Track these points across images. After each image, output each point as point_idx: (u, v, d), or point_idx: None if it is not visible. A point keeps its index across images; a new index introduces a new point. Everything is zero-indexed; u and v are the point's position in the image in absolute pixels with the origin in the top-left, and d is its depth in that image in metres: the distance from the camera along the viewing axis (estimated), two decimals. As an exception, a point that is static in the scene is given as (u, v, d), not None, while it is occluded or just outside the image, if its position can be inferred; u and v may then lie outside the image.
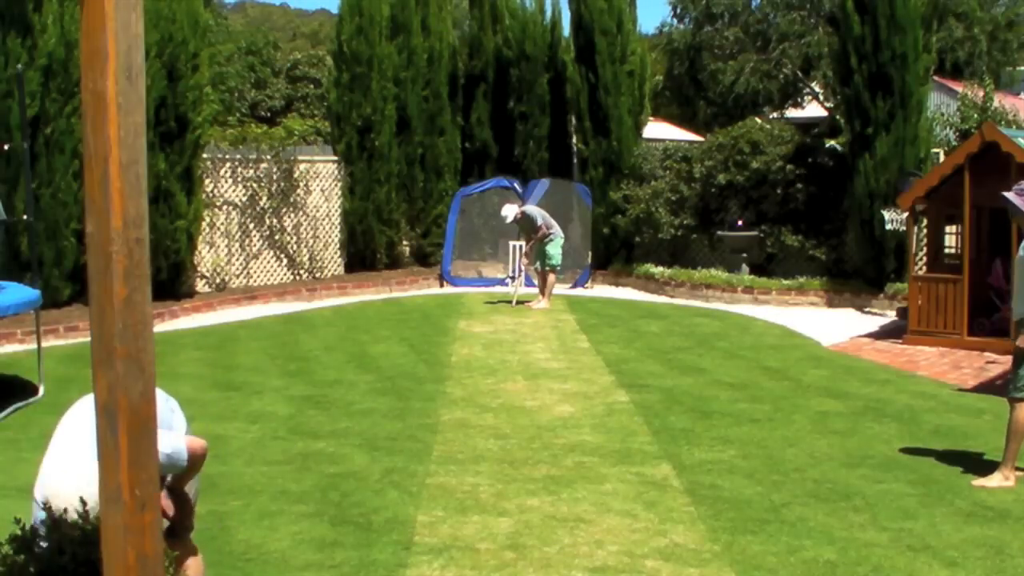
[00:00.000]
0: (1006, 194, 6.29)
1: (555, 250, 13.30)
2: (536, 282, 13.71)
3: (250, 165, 14.41)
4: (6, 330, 10.31)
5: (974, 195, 10.46)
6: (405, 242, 16.27)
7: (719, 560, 4.75)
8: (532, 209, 13.58)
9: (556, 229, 13.36)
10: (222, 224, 14.13)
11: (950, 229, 11.96)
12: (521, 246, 13.92)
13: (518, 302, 13.45)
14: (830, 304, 13.54)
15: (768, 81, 24.49)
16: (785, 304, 13.63)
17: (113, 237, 2.04)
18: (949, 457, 6.50)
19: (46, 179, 11.30)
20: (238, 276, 14.23)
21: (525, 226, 13.48)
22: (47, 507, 2.99)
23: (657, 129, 22.60)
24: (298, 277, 15.03)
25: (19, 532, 2.92)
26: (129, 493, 2.10)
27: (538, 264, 13.50)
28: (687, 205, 15.37)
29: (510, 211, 13.41)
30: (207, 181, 13.67)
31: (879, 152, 13.14)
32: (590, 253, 16.22)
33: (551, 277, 13.42)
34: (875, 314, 12.92)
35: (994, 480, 5.94)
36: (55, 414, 7.62)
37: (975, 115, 16.00)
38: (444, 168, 16.51)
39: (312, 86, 35.00)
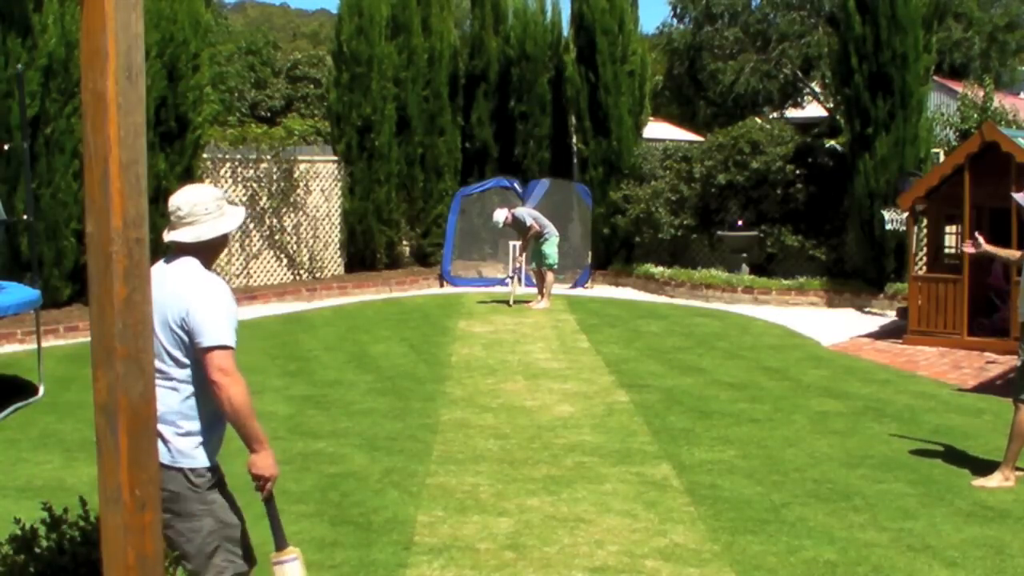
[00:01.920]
0: (1016, 195, 6.32)
1: (551, 249, 13.31)
2: (535, 282, 13.72)
3: (250, 165, 14.41)
4: (6, 330, 10.31)
5: (974, 195, 10.46)
6: (405, 242, 16.27)
7: (719, 560, 4.75)
8: (521, 211, 13.60)
9: (550, 228, 13.37)
10: (222, 224, 14.10)
11: (950, 229, 11.97)
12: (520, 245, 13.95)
13: (515, 302, 13.45)
14: (830, 304, 13.54)
15: (768, 81, 24.47)
16: (785, 304, 13.63)
17: (113, 237, 2.04)
18: (949, 457, 6.51)
19: (46, 179, 11.30)
20: (238, 276, 14.23)
21: (518, 228, 13.50)
22: None
23: (657, 129, 22.59)
24: (298, 277, 15.03)
25: (19, 532, 2.92)
26: (129, 493, 2.10)
27: (534, 264, 13.53)
28: (687, 205, 15.37)
29: (500, 215, 13.45)
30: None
31: (879, 152, 13.14)
32: (590, 253, 16.22)
33: (549, 276, 13.43)
34: (875, 314, 12.92)
35: (994, 480, 5.93)
36: (55, 414, 7.65)
37: (975, 115, 16.00)
38: (444, 168, 16.51)
39: (312, 86, 34.96)
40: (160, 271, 3.27)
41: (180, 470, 3.20)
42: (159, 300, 3.16)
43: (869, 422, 7.44)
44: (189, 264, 3.29)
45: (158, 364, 3.15)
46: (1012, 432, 5.98)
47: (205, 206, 3.30)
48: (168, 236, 3.32)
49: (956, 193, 10.65)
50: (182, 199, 3.31)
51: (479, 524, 5.20)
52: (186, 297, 3.17)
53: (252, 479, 3.29)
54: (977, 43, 24.81)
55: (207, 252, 3.35)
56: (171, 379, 3.18)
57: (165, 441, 3.17)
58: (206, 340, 3.14)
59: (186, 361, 3.18)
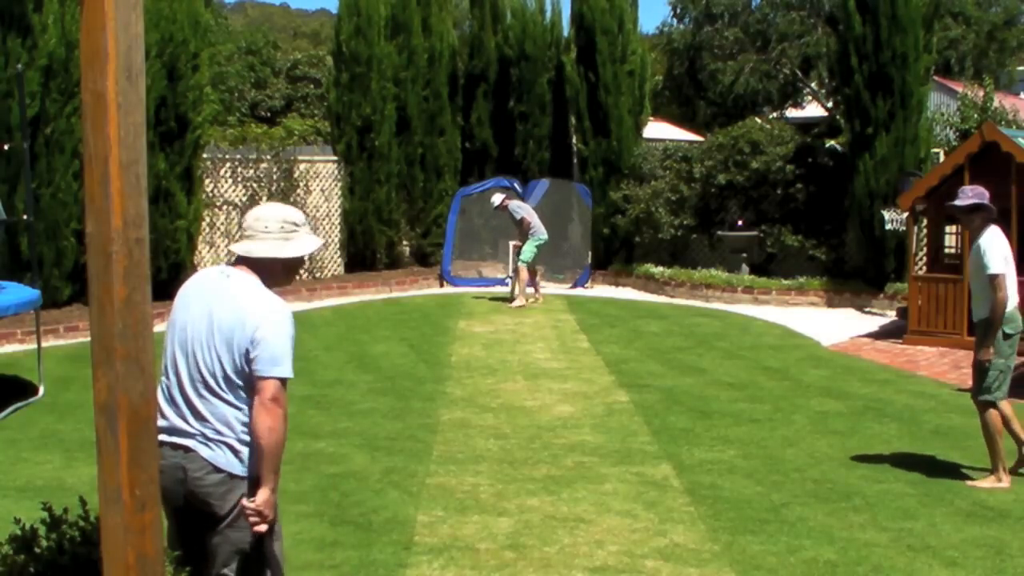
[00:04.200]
0: (955, 203, 6.48)
1: (529, 248, 13.28)
2: (533, 280, 13.73)
3: (250, 165, 14.40)
4: (6, 330, 10.31)
5: (974, 195, 10.45)
6: (405, 242, 16.27)
7: (719, 560, 4.75)
8: (516, 205, 13.59)
9: (538, 229, 13.33)
10: (222, 224, 14.12)
11: (950, 229, 11.97)
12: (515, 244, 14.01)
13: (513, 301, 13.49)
14: (830, 304, 13.53)
15: (768, 81, 24.48)
16: (785, 304, 13.63)
17: (113, 237, 2.04)
18: (949, 457, 6.50)
19: (46, 179, 11.29)
20: (238, 276, 14.22)
21: (513, 221, 13.59)
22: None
23: (657, 129, 22.57)
24: (298, 277, 14.98)
25: (19, 532, 2.92)
26: (129, 493, 2.10)
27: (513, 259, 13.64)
28: (687, 205, 15.37)
29: (498, 199, 13.63)
30: (207, 181, 13.66)
31: (879, 152, 13.14)
32: (590, 253, 16.22)
33: (523, 274, 13.40)
34: (875, 314, 12.92)
35: (987, 482, 5.93)
36: (55, 414, 7.65)
37: (975, 115, 15.99)
38: (444, 168, 16.50)
39: (312, 86, 34.93)
40: (217, 282, 3.26)
41: (250, 479, 3.21)
42: (218, 314, 3.15)
43: (869, 422, 7.43)
44: (250, 282, 3.24)
45: (215, 382, 3.14)
46: (985, 435, 5.97)
47: (266, 223, 3.26)
48: (231, 246, 3.31)
49: (956, 193, 10.62)
50: (251, 212, 3.32)
51: (479, 524, 5.20)
52: (254, 322, 3.13)
53: (249, 512, 3.20)
54: (972, 40, 24.82)
55: (264, 272, 3.28)
56: (233, 396, 3.17)
57: (236, 452, 3.17)
58: (267, 369, 3.11)
59: (240, 383, 3.15)
